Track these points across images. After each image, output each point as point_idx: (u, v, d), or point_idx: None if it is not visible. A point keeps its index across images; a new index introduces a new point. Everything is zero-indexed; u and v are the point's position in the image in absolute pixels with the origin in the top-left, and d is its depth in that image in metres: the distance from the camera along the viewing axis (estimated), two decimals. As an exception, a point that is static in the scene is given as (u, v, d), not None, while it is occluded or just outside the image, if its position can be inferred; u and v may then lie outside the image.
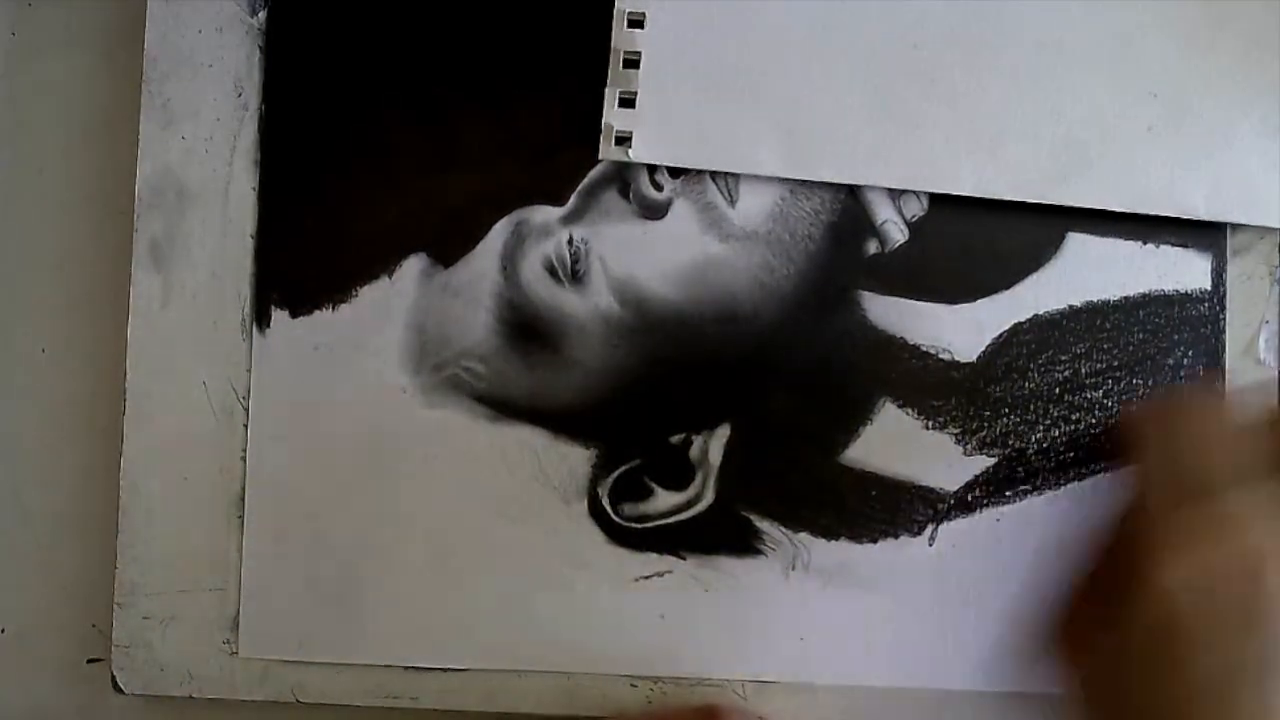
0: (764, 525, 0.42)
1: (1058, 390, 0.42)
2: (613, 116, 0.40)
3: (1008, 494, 0.42)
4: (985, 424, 0.42)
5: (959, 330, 0.42)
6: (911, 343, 0.42)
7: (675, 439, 0.42)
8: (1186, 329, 0.42)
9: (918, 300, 0.42)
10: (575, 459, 0.42)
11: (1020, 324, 0.42)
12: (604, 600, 0.42)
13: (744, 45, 0.40)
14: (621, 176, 0.41)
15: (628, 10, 0.40)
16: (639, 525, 0.42)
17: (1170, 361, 0.42)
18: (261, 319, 0.41)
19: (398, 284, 0.41)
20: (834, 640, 0.42)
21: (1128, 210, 0.42)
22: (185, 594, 0.41)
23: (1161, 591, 0.31)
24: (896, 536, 0.42)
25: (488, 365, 0.41)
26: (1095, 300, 0.42)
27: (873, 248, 0.42)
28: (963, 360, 0.42)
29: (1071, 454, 0.43)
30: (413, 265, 0.41)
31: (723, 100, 0.40)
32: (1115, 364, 0.43)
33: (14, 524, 0.43)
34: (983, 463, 0.42)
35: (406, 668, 0.42)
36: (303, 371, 0.41)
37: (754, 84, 0.40)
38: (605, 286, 0.41)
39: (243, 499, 0.41)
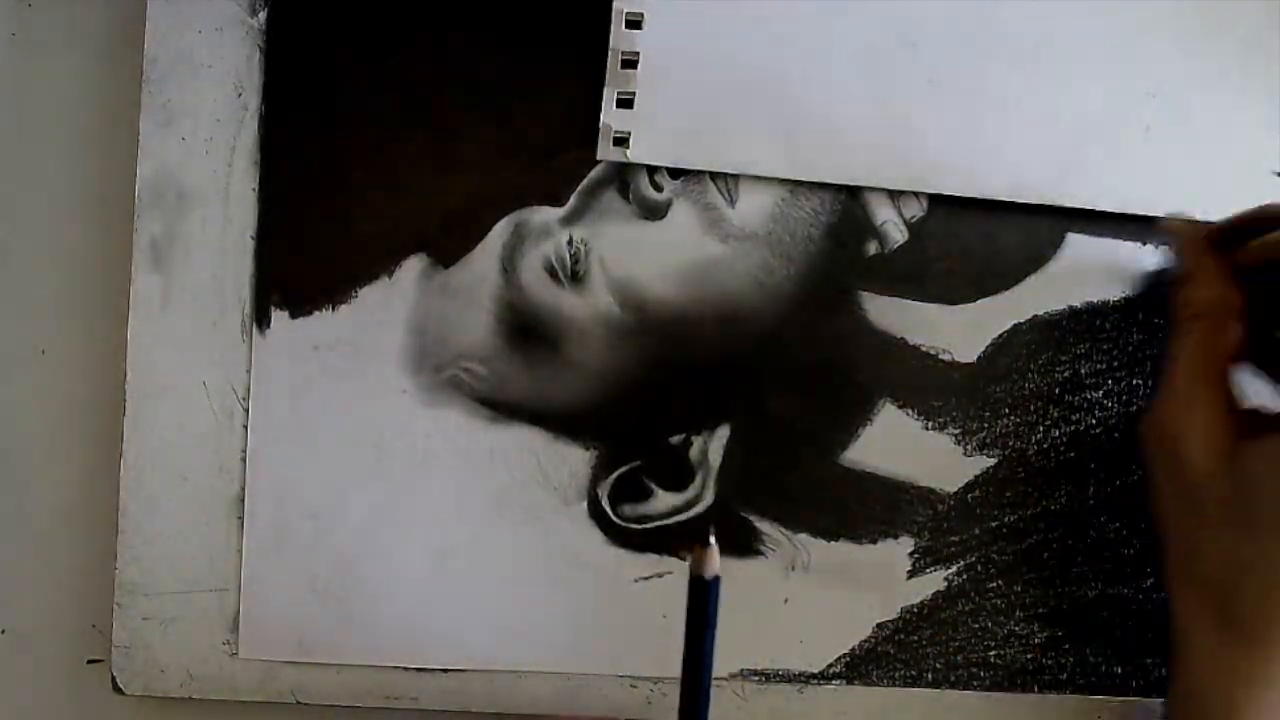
0: (764, 526, 0.42)
1: (1058, 390, 0.42)
2: (611, 117, 0.40)
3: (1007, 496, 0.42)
4: (985, 424, 0.42)
5: (959, 330, 0.42)
6: (911, 343, 0.42)
7: (675, 440, 0.42)
8: (1186, 329, 0.42)
9: (918, 301, 0.42)
10: (575, 460, 0.42)
11: (1020, 324, 0.42)
12: (604, 600, 0.42)
13: (743, 45, 0.40)
14: (621, 177, 0.41)
15: (626, 10, 0.40)
16: (639, 526, 0.42)
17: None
18: (261, 319, 0.41)
19: (398, 285, 0.41)
20: (834, 641, 0.42)
21: (1128, 210, 0.42)
22: (185, 594, 0.41)
23: None
24: (896, 537, 0.42)
25: (488, 366, 0.41)
26: (1095, 300, 0.42)
27: (872, 248, 0.42)
28: (963, 360, 0.42)
29: (1072, 454, 0.43)
30: (413, 266, 0.41)
31: (722, 100, 0.40)
32: (1115, 364, 0.43)
33: (14, 524, 0.43)
34: (983, 463, 0.42)
35: (406, 668, 0.42)
36: (303, 371, 0.41)
37: (754, 84, 0.40)
38: (605, 287, 0.41)
39: (243, 499, 0.41)
